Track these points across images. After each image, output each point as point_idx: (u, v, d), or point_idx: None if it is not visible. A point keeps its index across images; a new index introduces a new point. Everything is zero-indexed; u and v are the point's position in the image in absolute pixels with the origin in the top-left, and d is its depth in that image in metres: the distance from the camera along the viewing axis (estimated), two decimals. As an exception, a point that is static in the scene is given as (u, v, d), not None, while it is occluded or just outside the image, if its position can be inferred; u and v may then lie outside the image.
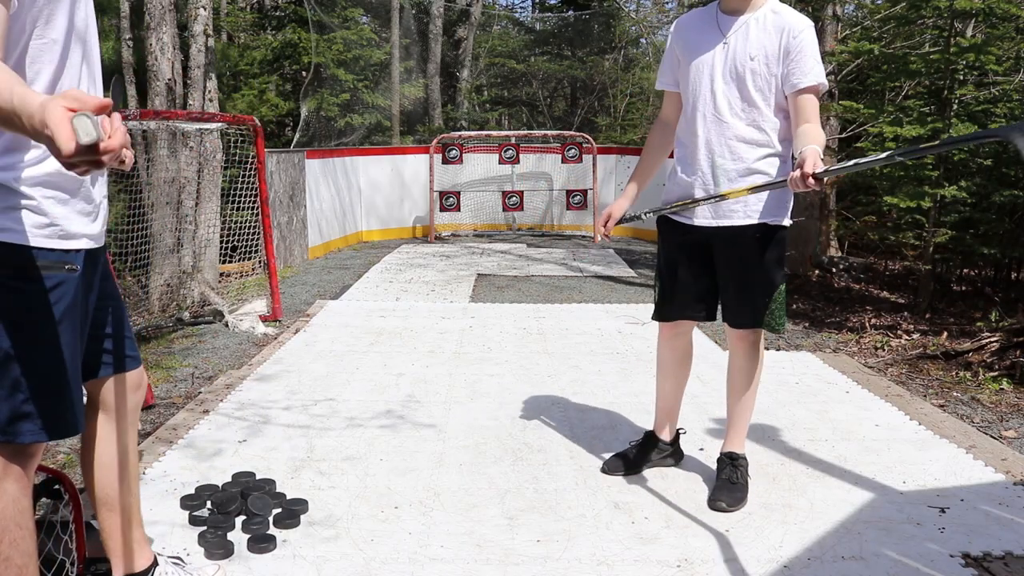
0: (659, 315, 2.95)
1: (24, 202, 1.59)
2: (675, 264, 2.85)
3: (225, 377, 4.30)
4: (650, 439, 3.09)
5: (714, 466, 2.98)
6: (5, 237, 1.58)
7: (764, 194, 2.65)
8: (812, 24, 2.63)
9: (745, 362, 2.84)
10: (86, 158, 1.25)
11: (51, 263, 1.64)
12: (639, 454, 3.07)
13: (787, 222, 2.73)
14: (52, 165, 1.59)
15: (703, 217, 2.73)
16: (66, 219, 1.67)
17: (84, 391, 2.00)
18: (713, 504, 2.77)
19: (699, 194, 2.71)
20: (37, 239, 1.62)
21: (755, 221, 2.67)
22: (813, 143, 2.47)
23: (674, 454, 3.12)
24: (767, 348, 4.99)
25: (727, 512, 2.73)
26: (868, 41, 6.50)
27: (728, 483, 2.82)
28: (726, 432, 2.96)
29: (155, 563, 2.12)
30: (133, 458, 2.05)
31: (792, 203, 2.74)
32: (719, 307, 2.87)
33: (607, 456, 3.15)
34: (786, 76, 2.60)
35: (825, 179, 2.39)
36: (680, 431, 3.14)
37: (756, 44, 2.61)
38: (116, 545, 2.05)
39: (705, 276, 2.82)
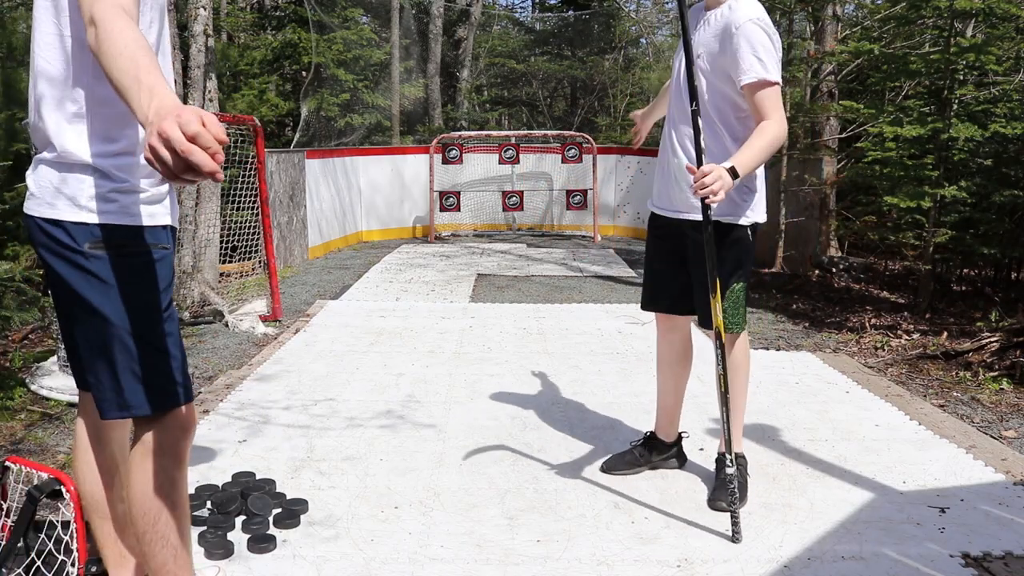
0: (643, 303, 3.01)
1: (122, 186, 1.71)
2: (652, 254, 2.94)
3: (225, 377, 4.30)
4: (651, 440, 3.09)
5: (714, 466, 2.98)
6: (110, 219, 1.70)
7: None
8: (759, 17, 2.54)
9: (725, 361, 2.82)
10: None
11: (153, 242, 1.76)
12: (639, 454, 3.06)
13: (744, 222, 2.70)
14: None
15: (666, 208, 2.80)
16: (157, 199, 1.78)
17: (83, 397, 2.01)
18: (713, 504, 2.77)
19: (664, 197, 2.81)
20: (138, 219, 1.74)
21: (714, 217, 2.67)
22: (739, 158, 2.46)
23: (676, 457, 3.11)
24: (767, 348, 4.99)
25: (727, 512, 2.72)
26: (868, 41, 6.49)
27: (725, 483, 2.81)
28: (722, 432, 2.95)
29: None
30: (123, 467, 2.05)
31: (753, 203, 2.70)
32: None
33: (607, 456, 3.15)
34: (734, 73, 2.56)
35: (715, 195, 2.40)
36: (683, 434, 3.13)
37: (704, 41, 2.62)
38: (111, 553, 2.05)
39: (682, 270, 2.84)
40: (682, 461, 3.12)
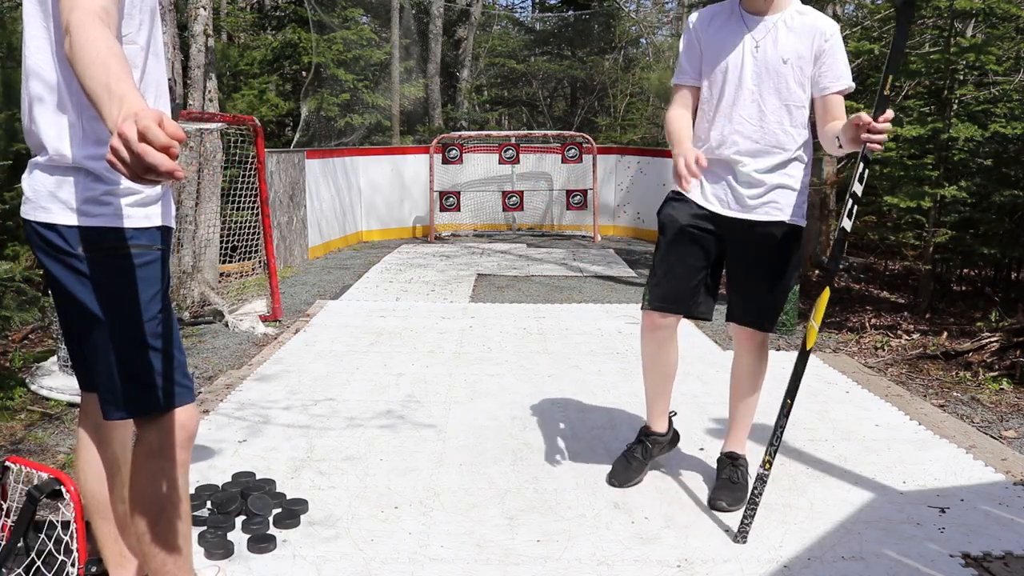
0: (648, 302, 2.79)
1: (115, 188, 1.72)
2: (678, 247, 2.72)
3: (225, 377, 4.30)
4: (647, 437, 3.01)
5: (714, 466, 2.98)
6: (103, 222, 1.71)
7: (792, 192, 2.65)
8: (838, 26, 2.62)
9: (754, 362, 2.81)
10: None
11: (147, 244, 1.77)
12: (642, 456, 2.97)
13: (804, 223, 2.73)
14: None
15: (724, 206, 2.68)
16: (151, 200, 1.79)
17: (85, 398, 2.01)
18: (714, 504, 2.76)
19: (720, 196, 2.68)
20: (130, 220, 1.74)
21: (783, 219, 2.66)
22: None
23: (672, 440, 3.06)
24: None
25: (727, 512, 2.72)
26: (868, 41, 6.49)
27: (728, 483, 2.81)
28: (727, 432, 2.94)
29: None
30: (125, 467, 2.05)
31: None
32: (715, 307, 2.82)
33: (607, 457, 3.14)
34: (816, 80, 2.60)
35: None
36: (672, 414, 3.04)
37: (788, 47, 2.58)
38: (111, 553, 2.05)
39: (707, 267, 2.74)
40: (676, 440, 3.08)
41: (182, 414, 1.82)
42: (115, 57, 1.43)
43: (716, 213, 2.69)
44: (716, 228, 2.70)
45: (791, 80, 2.59)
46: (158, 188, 1.81)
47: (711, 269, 2.76)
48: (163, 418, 1.79)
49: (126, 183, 1.74)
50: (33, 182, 1.74)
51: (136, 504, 1.80)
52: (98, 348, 1.74)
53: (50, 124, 1.69)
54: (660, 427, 3.03)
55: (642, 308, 2.84)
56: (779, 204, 2.65)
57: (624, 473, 2.95)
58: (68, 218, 1.69)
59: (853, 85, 2.63)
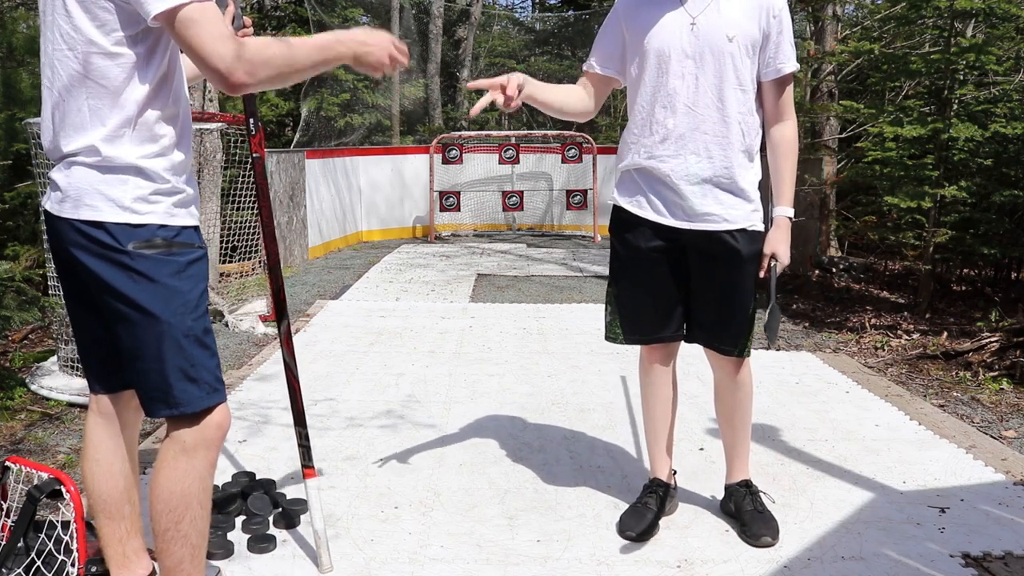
0: (613, 334, 2.58)
1: (163, 187, 1.77)
2: (638, 269, 2.48)
3: (225, 377, 4.30)
4: (657, 488, 2.67)
5: (713, 466, 2.97)
6: (154, 219, 1.75)
7: (745, 193, 2.39)
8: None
9: (736, 386, 2.55)
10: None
11: (189, 242, 1.81)
12: (657, 508, 2.62)
13: (763, 227, 2.46)
14: (180, 154, 1.82)
15: (672, 217, 2.41)
16: (191, 200, 1.85)
17: (95, 399, 2.01)
18: (758, 541, 2.50)
19: (668, 206, 2.42)
20: (177, 219, 1.79)
21: (736, 226, 2.38)
22: (786, 197, 2.45)
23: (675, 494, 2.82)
24: (767, 349, 4.99)
25: (772, 546, 2.51)
26: (868, 41, 6.49)
27: (756, 514, 2.57)
28: (728, 462, 2.69)
29: (154, 572, 2.11)
30: (134, 468, 2.06)
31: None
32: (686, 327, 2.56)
33: (607, 456, 3.14)
34: (769, 61, 2.34)
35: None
36: (674, 471, 2.78)
37: (733, 23, 2.28)
38: (114, 554, 2.05)
39: (676, 286, 2.49)
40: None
41: (218, 413, 1.84)
42: (280, 41, 1.72)
43: (666, 225, 2.42)
44: (673, 240, 2.44)
45: (737, 60, 2.30)
46: (194, 189, 1.86)
47: (678, 286, 2.50)
48: (202, 416, 1.82)
49: (174, 182, 1.78)
50: (75, 180, 1.73)
51: (162, 500, 1.80)
52: (145, 345, 1.75)
53: (102, 126, 1.70)
54: (665, 476, 2.71)
55: (609, 340, 2.60)
56: (733, 208, 2.38)
57: (639, 524, 2.56)
58: (119, 216, 1.71)
59: (799, 66, 2.38)
